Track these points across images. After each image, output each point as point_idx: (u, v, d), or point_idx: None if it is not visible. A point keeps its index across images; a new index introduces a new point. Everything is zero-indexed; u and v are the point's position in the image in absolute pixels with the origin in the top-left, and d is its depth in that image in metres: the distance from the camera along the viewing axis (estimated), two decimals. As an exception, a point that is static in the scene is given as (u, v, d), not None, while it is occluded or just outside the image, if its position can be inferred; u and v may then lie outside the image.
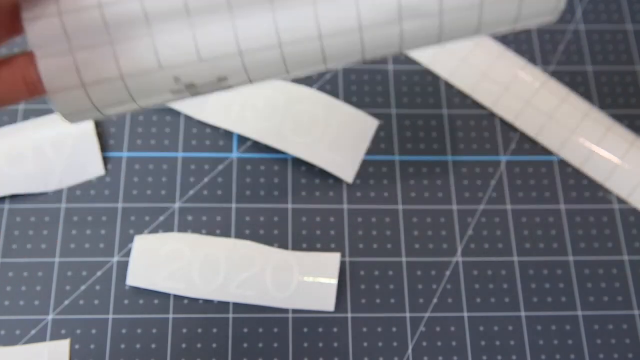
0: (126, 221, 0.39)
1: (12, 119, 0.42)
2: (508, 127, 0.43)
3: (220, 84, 0.27)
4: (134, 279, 0.38)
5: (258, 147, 0.42)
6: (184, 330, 0.37)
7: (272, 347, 0.37)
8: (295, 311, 0.38)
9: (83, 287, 0.38)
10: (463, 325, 0.38)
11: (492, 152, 0.42)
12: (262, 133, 0.41)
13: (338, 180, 0.41)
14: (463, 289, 0.39)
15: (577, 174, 0.42)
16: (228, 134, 0.42)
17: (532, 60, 0.45)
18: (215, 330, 0.37)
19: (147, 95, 0.27)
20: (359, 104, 0.43)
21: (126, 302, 0.38)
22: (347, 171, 0.41)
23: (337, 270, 0.38)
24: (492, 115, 0.43)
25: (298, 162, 0.41)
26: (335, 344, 0.37)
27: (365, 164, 0.42)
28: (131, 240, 0.39)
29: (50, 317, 0.37)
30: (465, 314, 0.38)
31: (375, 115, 0.43)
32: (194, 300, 0.38)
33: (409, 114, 0.43)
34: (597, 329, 0.38)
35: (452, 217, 0.41)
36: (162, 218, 0.40)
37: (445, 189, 0.41)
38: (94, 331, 0.37)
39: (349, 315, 0.38)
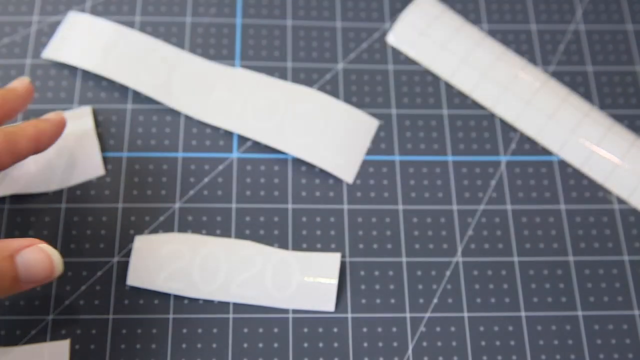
0: (126, 221, 0.39)
1: (12, 119, 0.42)
2: (508, 127, 0.43)
3: None
4: (134, 279, 0.38)
5: (258, 147, 0.42)
6: (184, 330, 0.37)
7: (272, 347, 0.37)
8: (295, 311, 0.38)
9: (83, 287, 0.38)
10: (463, 325, 0.38)
11: (492, 152, 0.42)
12: (262, 133, 0.41)
13: (338, 180, 0.41)
14: (463, 289, 0.39)
15: (577, 174, 0.42)
16: (228, 134, 0.42)
17: (532, 60, 0.45)
18: (215, 330, 0.37)
19: None
20: (359, 104, 0.43)
21: (126, 302, 0.38)
22: (347, 171, 0.41)
23: (337, 270, 0.38)
24: (492, 115, 0.43)
25: (298, 162, 0.41)
26: (335, 344, 0.37)
27: (365, 164, 0.42)
28: (131, 240, 0.39)
29: (50, 317, 0.37)
30: (465, 314, 0.38)
31: (375, 115, 0.43)
32: (194, 300, 0.38)
33: (409, 114, 0.43)
34: (597, 329, 0.38)
35: (452, 217, 0.41)
36: (162, 218, 0.40)
37: (445, 189, 0.41)
38: (94, 331, 0.37)
39: (349, 315, 0.38)
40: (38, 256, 0.31)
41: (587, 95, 0.44)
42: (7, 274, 0.30)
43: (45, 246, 0.31)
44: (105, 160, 0.41)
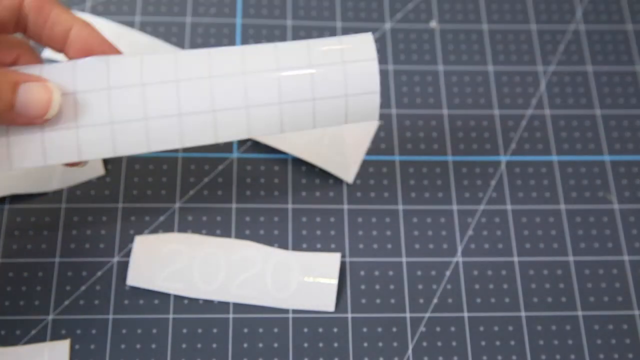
0: (126, 221, 0.39)
1: None
2: (508, 127, 0.43)
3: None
4: (134, 279, 0.38)
5: (258, 147, 0.42)
6: (184, 330, 0.37)
7: (272, 347, 0.37)
8: (295, 311, 0.38)
9: (83, 287, 0.38)
10: (463, 325, 0.38)
11: (492, 152, 0.42)
12: (262, 133, 0.41)
13: (338, 180, 0.41)
14: (463, 289, 0.39)
15: (577, 174, 0.42)
16: (228, 134, 0.42)
17: (532, 60, 0.45)
18: (215, 330, 0.37)
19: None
20: (359, 104, 0.43)
21: (126, 302, 0.38)
22: (347, 171, 0.41)
23: (337, 270, 0.38)
24: (492, 115, 0.43)
25: (298, 162, 0.41)
26: (335, 344, 0.37)
27: (365, 164, 0.42)
28: (131, 240, 0.39)
29: (50, 317, 0.37)
30: (465, 314, 0.38)
31: (375, 115, 0.43)
32: (194, 300, 0.38)
33: (409, 114, 0.43)
34: (597, 329, 0.38)
35: (452, 217, 0.41)
36: (162, 218, 0.40)
37: (445, 189, 0.41)
38: (94, 331, 0.37)
39: (349, 315, 0.38)
40: (40, 92, 0.31)
41: (587, 95, 0.44)
42: (5, 98, 0.30)
43: (52, 86, 0.31)
44: (105, 160, 0.41)
